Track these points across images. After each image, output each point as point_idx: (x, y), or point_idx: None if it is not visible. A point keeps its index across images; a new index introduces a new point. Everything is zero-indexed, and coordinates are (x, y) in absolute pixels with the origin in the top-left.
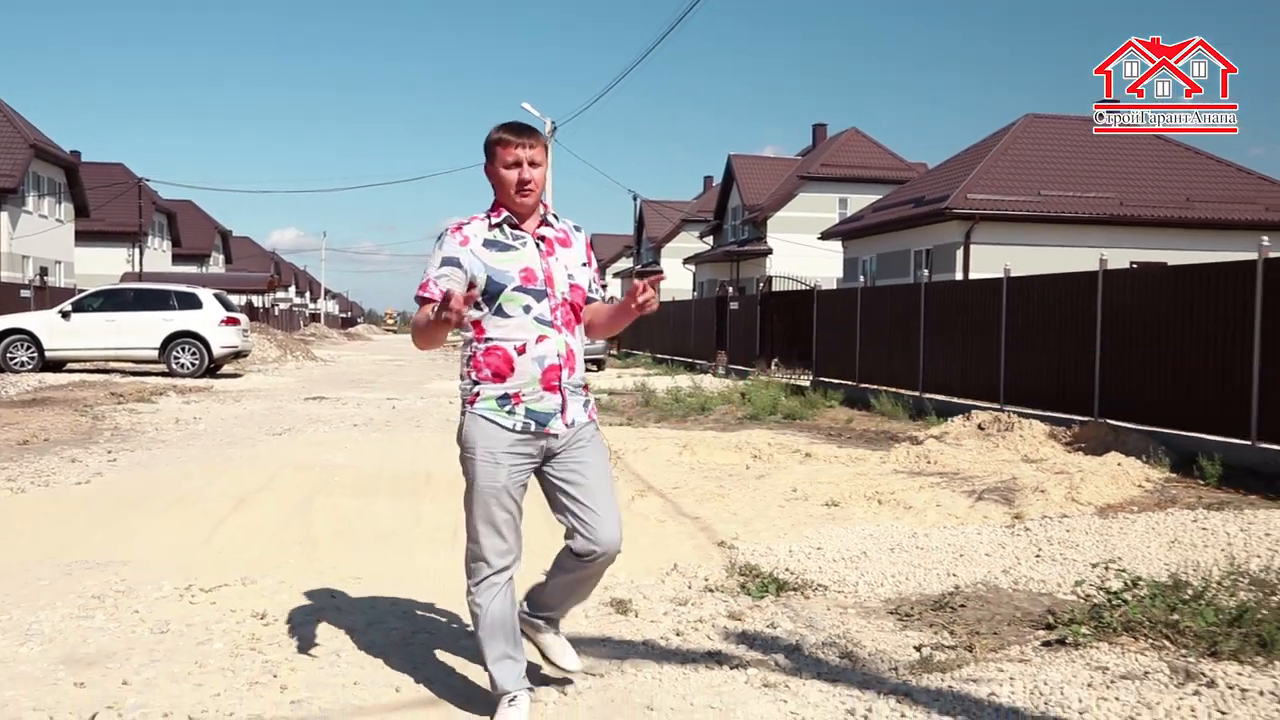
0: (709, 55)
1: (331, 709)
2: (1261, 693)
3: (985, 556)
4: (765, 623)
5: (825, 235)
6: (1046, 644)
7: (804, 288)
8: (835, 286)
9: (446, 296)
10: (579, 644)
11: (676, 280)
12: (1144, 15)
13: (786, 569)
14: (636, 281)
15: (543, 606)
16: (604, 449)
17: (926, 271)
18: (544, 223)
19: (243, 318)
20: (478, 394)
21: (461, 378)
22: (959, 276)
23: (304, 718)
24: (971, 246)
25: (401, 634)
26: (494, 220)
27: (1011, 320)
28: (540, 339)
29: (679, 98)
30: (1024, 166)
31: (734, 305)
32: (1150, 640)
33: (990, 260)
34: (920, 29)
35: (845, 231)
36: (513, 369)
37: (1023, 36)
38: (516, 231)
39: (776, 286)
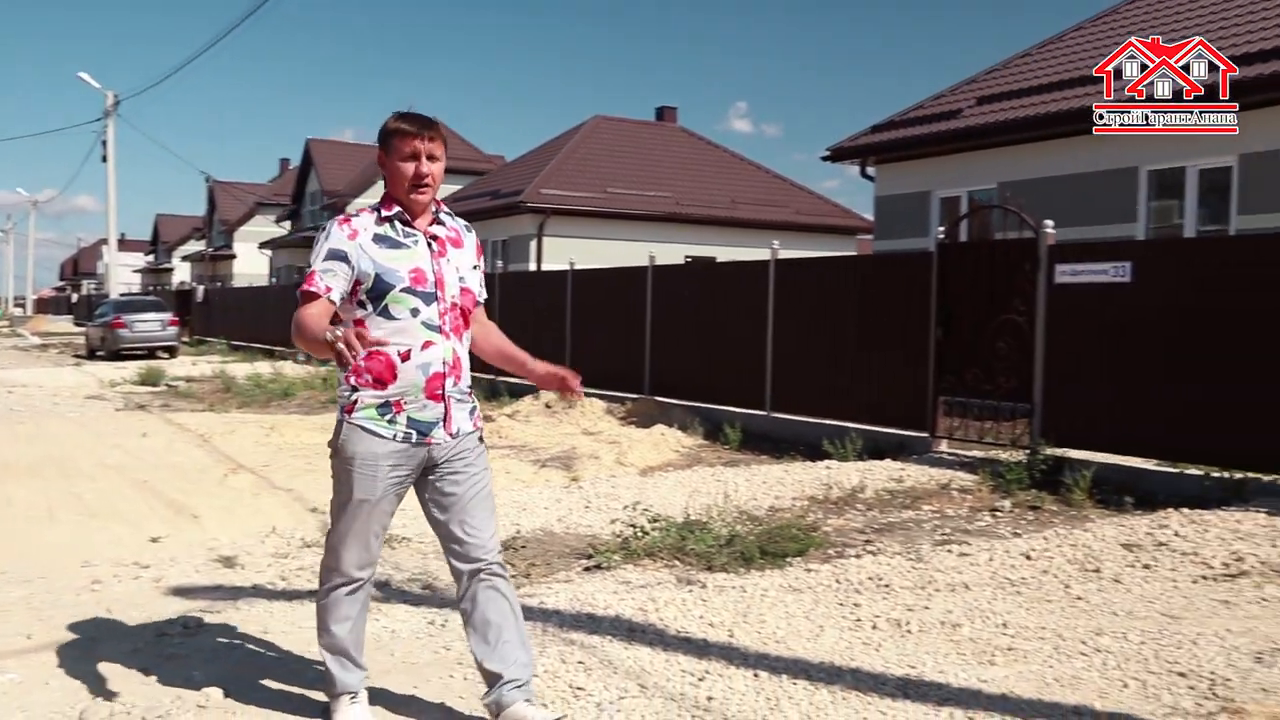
0: (292, 35)
1: None
2: (734, 589)
3: (544, 510)
4: None
5: None
6: (587, 569)
7: None
8: None
9: (348, 340)
10: (191, 593)
11: (251, 264)
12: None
13: None
14: (573, 386)
15: (493, 675)
16: (486, 460)
17: (502, 263)
18: (436, 221)
19: None
20: (356, 401)
21: (339, 382)
22: (533, 268)
23: None
24: (544, 239)
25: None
26: (385, 214)
27: (577, 309)
28: (426, 345)
29: (259, 78)
30: (593, 164)
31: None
32: (665, 561)
33: (562, 252)
34: (502, 21)
35: None
36: (395, 376)
37: (593, 34)
38: (408, 229)
39: None
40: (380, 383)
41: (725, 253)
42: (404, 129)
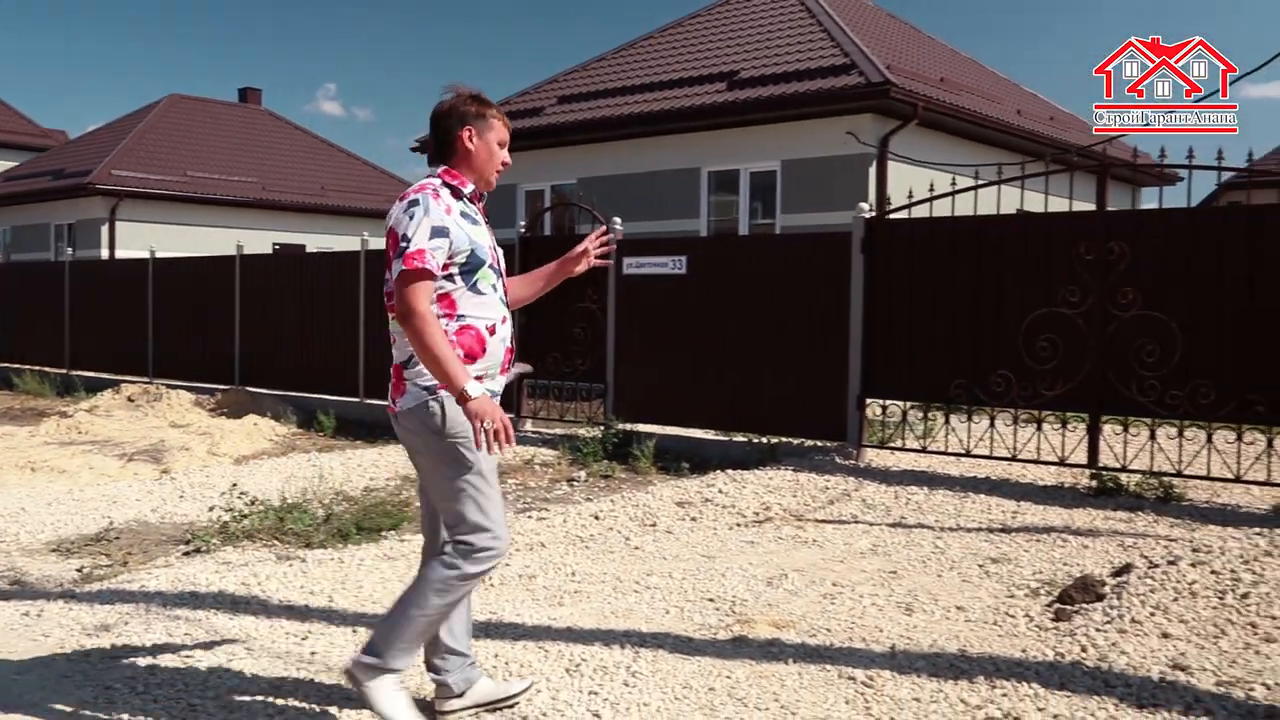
0: None
1: None
2: (333, 561)
3: (137, 502)
4: None
5: None
6: (186, 554)
7: None
8: None
9: (506, 431)
10: None
11: None
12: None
13: None
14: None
15: (448, 648)
16: None
17: (71, 248)
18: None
19: None
20: (489, 371)
21: (412, 359)
22: (105, 254)
23: None
24: (118, 224)
25: None
26: (462, 190)
27: (160, 298)
28: (504, 319)
29: None
30: (171, 145)
31: None
32: (264, 542)
33: (139, 238)
34: None
35: None
36: (484, 350)
37: (171, 15)
38: (474, 206)
39: None
40: (470, 357)
41: (318, 241)
42: (500, 114)
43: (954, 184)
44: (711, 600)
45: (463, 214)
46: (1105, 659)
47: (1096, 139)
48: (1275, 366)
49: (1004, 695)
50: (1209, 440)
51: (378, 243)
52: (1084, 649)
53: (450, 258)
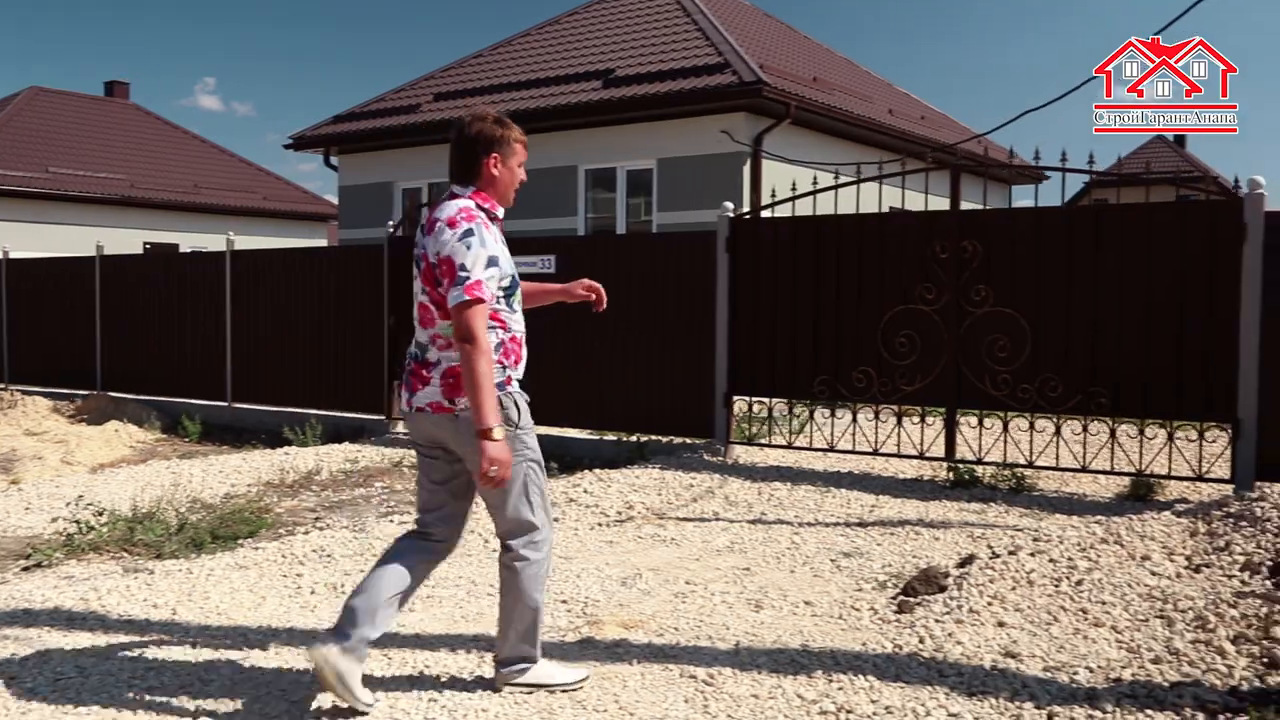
0: None
1: None
2: (182, 571)
3: None
4: None
5: None
6: (26, 569)
7: None
8: None
9: (504, 474)
10: None
11: None
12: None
13: None
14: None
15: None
16: None
17: None
18: None
19: None
20: (510, 378)
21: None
22: None
23: None
24: None
25: None
26: (495, 214)
27: (14, 300)
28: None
29: None
30: (31, 141)
31: None
32: (112, 554)
33: None
34: None
35: None
36: (521, 356)
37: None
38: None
39: None
40: (517, 363)
41: (190, 239)
42: (521, 136)
43: (829, 180)
44: (565, 602)
45: (498, 237)
46: (941, 649)
47: (961, 137)
48: (1117, 359)
49: (840, 689)
50: (1058, 432)
51: (244, 242)
52: (921, 640)
53: (500, 283)
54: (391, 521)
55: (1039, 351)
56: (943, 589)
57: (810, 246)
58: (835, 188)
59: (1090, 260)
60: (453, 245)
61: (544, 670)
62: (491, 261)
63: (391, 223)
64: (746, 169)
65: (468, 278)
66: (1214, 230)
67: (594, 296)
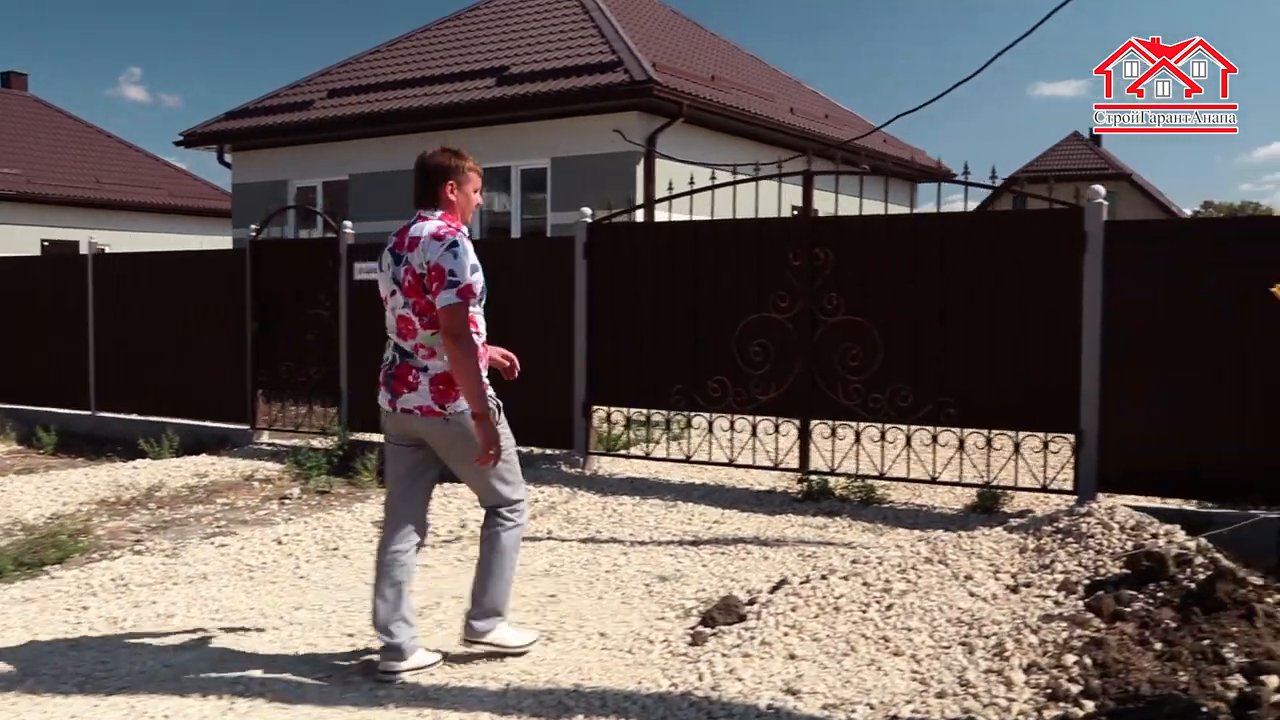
0: None
1: None
2: None
3: None
4: None
5: None
6: None
7: None
8: None
9: (494, 451)
10: None
11: None
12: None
13: None
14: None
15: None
16: None
17: None
18: None
19: None
20: (488, 381)
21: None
22: None
23: None
24: None
25: None
26: (464, 231)
27: None
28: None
29: None
30: None
31: None
32: None
33: None
34: None
35: None
36: (486, 357)
37: None
38: None
39: None
40: (485, 363)
41: (95, 237)
42: (474, 165)
43: (726, 179)
44: (351, 635)
45: None
46: (718, 687)
47: (859, 134)
48: (965, 369)
49: None
50: (908, 442)
51: (151, 239)
52: (700, 677)
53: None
54: (213, 544)
55: (890, 361)
56: (742, 618)
57: (667, 252)
58: (690, 192)
59: (937, 269)
60: (442, 254)
61: (504, 632)
62: (475, 268)
63: (253, 227)
64: (640, 168)
65: (458, 282)
66: (1056, 239)
67: (508, 364)
